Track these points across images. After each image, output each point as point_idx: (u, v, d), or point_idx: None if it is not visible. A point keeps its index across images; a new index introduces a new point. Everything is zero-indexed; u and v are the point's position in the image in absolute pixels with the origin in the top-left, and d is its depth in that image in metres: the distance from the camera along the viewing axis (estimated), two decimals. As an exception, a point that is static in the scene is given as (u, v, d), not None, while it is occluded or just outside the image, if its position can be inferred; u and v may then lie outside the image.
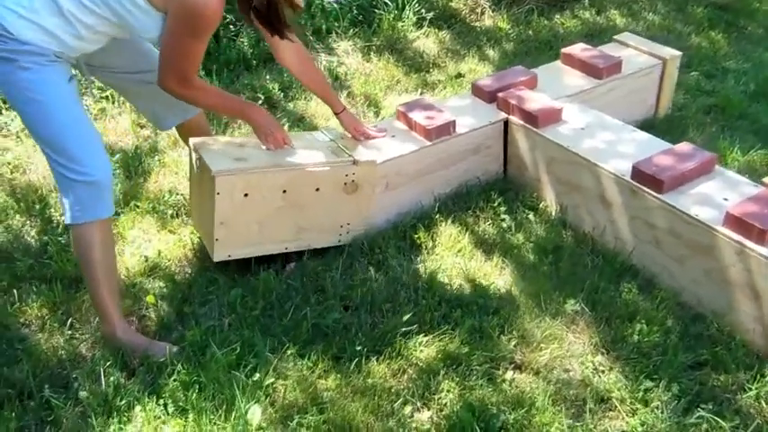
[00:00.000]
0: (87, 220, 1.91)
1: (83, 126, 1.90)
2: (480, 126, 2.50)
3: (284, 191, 2.13)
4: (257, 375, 1.85)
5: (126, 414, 1.79)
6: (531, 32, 3.96)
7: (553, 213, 2.45)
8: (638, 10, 4.20)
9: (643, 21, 4.06)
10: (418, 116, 2.46)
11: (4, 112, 3.18)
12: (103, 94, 3.34)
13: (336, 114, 2.41)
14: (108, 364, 1.93)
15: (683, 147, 2.17)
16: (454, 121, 2.43)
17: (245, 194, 2.08)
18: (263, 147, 2.19)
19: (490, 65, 3.65)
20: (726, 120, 2.98)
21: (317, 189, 2.18)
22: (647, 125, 2.92)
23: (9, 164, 2.93)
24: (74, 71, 1.97)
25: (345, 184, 2.21)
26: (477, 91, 2.67)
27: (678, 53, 2.85)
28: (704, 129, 2.91)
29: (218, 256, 2.15)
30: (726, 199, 1.98)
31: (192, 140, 2.21)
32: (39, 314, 2.15)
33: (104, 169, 1.92)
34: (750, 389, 1.75)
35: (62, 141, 1.85)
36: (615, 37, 3.01)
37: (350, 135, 2.41)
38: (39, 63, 1.79)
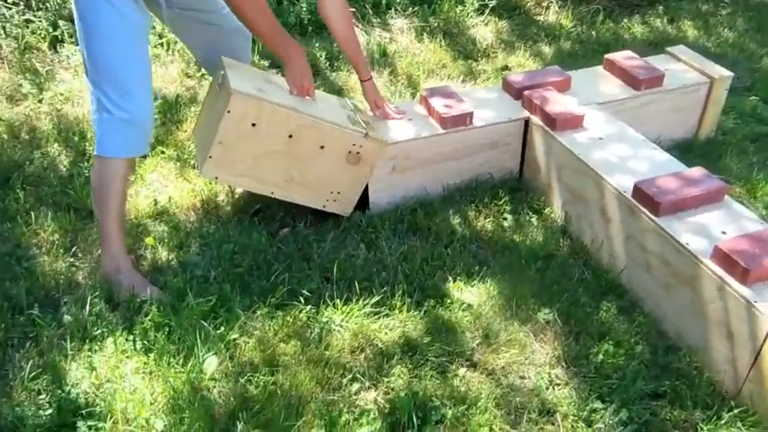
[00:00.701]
0: (116, 155, 2.01)
1: (142, 66, 2.00)
2: (499, 122, 2.47)
3: (290, 135, 2.12)
4: (222, 329, 1.93)
5: (99, 343, 1.92)
6: (593, 33, 3.82)
7: (558, 220, 2.40)
8: (715, 24, 3.97)
9: (716, 36, 3.84)
10: (438, 103, 2.46)
11: (66, 45, 3.38)
12: (160, 41, 3.49)
13: (362, 82, 2.42)
14: (96, 294, 2.06)
15: (695, 171, 2.07)
16: (472, 113, 2.41)
17: (253, 124, 2.06)
18: (287, 88, 2.20)
19: (541, 61, 3.56)
20: (772, 151, 2.81)
21: (322, 147, 2.18)
22: (686, 146, 2.80)
23: (62, 95, 3.12)
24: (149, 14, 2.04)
25: (350, 152, 2.21)
26: (506, 86, 2.62)
27: (729, 74, 2.69)
28: (744, 157, 2.75)
29: (206, 173, 2.14)
30: (724, 232, 1.89)
31: (223, 57, 2.19)
32: (49, 238, 2.31)
33: (146, 110, 2.02)
34: (701, 429, 1.69)
35: (116, 74, 1.94)
36: (668, 49, 2.87)
37: (368, 107, 2.43)
38: None
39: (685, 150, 2.77)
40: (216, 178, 2.17)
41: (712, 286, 1.77)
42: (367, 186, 2.38)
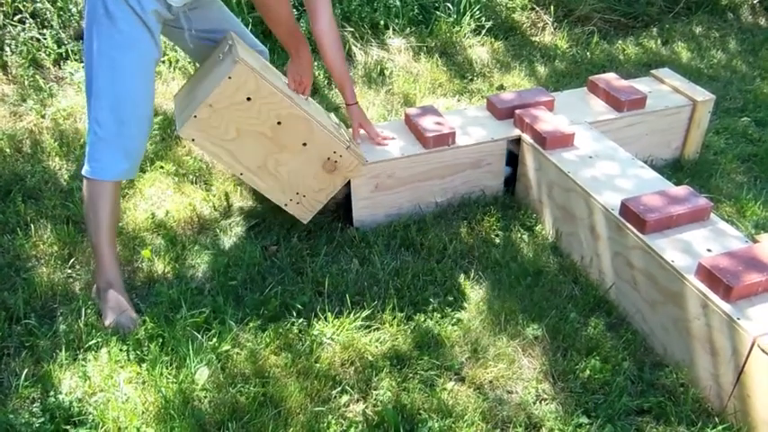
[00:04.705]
0: (102, 178, 2.03)
1: (144, 96, 2.02)
2: (481, 141, 2.51)
3: (279, 122, 2.13)
4: (215, 340, 1.96)
5: (93, 353, 1.95)
6: (588, 54, 3.89)
7: (548, 237, 2.44)
8: (708, 46, 4.03)
9: (709, 57, 3.90)
10: (421, 123, 2.50)
11: (69, 62, 3.45)
12: (162, 58, 3.55)
13: (347, 106, 2.47)
14: (90, 304, 2.10)
15: (680, 190, 2.11)
16: (454, 133, 2.46)
17: (249, 98, 2.06)
18: (285, 81, 2.23)
19: (536, 81, 3.62)
20: (762, 171, 2.84)
21: (305, 144, 2.19)
22: (676, 165, 2.84)
23: (64, 110, 3.18)
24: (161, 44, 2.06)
25: (329, 159, 2.24)
26: (489, 106, 2.67)
27: (711, 96, 2.73)
28: (734, 177, 2.79)
29: (185, 131, 2.08)
30: (709, 250, 1.92)
31: (232, 33, 2.21)
32: (48, 250, 2.35)
33: (139, 140, 2.04)
34: (685, 445, 1.71)
35: (116, 101, 1.95)
36: (652, 71, 2.92)
37: (352, 130, 2.47)
38: (134, 23, 1.90)
39: (676, 170, 2.81)
40: (193, 140, 2.11)
41: (696, 303, 1.80)
42: (351, 202, 2.42)
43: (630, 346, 1.99)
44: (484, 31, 3.97)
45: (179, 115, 2.20)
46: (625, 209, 2.04)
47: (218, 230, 2.48)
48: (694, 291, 1.80)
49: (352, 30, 3.82)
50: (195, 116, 2.06)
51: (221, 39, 2.25)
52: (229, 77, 2.01)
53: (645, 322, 2.02)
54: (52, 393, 1.80)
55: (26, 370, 1.87)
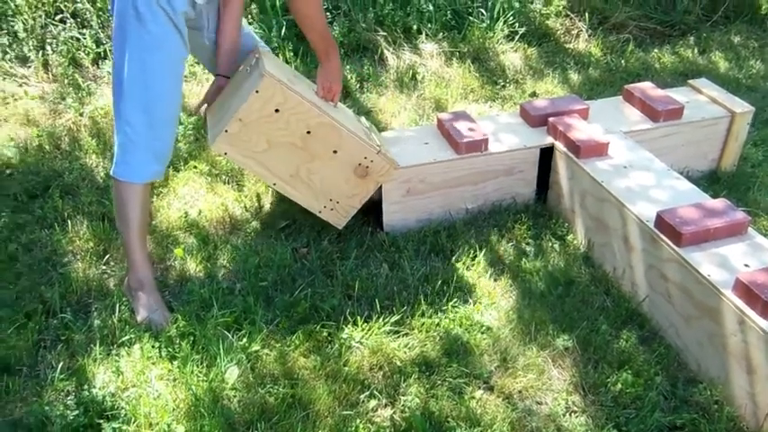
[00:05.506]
0: (134, 181, 2.05)
1: (173, 99, 2.04)
2: (514, 148, 2.50)
3: (308, 131, 2.15)
4: (245, 340, 1.98)
5: (126, 349, 1.98)
6: (622, 62, 3.84)
7: (580, 247, 2.41)
8: (746, 56, 3.96)
9: (748, 68, 3.83)
10: (454, 128, 2.50)
11: (107, 61, 3.51)
12: (196, 59, 3.60)
13: (320, 63, 2.24)
14: (125, 300, 2.13)
15: (718, 203, 2.07)
16: (487, 139, 2.45)
17: (277, 110, 2.09)
18: (314, 89, 2.24)
19: (569, 88, 3.59)
20: (802, 186, 2.78)
21: (335, 151, 2.21)
22: (712, 178, 2.79)
23: (102, 109, 3.24)
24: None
25: (360, 164, 2.25)
26: (523, 113, 2.66)
27: (750, 108, 2.68)
28: (773, 191, 2.73)
29: (218, 146, 2.12)
30: (747, 265, 1.88)
31: (260, 46, 2.25)
32: (84, 246, 2.40)
33: (167, 143, 2.06)
34: (719, 464, 1.67)
35: (145, 103, 1.96)
36: (690, 81, 2.88)
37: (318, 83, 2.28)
38: (164, 24, 1.92)
39: (713, 182, 2.76)
40: (225, 153, 2.15)
41: (733, 319, 1.76)
42: (381, 207, 2.42)
43: (663, 360, 1.96)
44: (517, 38, 3.95)
45: (211, 130, 2.23)
46: (660, 221, 2.01)
47: (249, 231, 2.50)
48: (731, 306, 1.76)
49: (384, 34, 3.83)
50: (226, 131, 2.10)
51: (248, 52, 2.28)
52: (257, 91, 2.04)
53: (679, 337, 1.99)
54: (86, 387, 1.84)
55: (61, 363, 1.91)
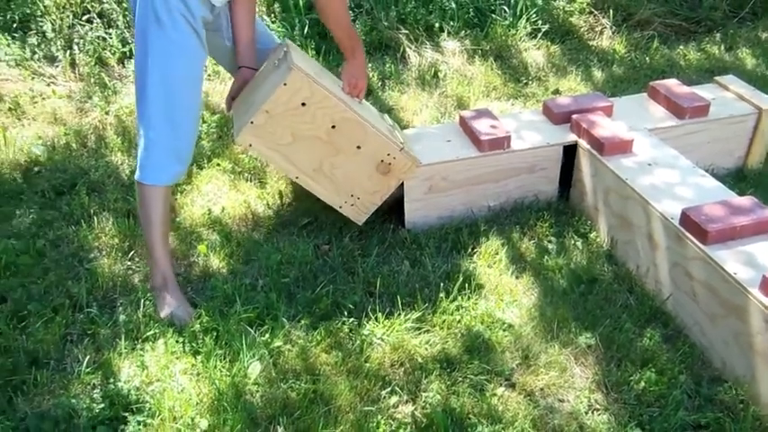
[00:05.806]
0: (154, 183, 2.07)
1: (194, 101, 2.07)
2: (536, 146, 2.48)
3: (333, 126, 2.16)
4: (267, 336, 2.00)
5: (151, 343, 2.01)
6: (647, 59, 3.80)
7: (603, 245, 2.39)
8: (775, 52, 3.89)
9: (776, 64, 3.76)
10: (476, 126, 2.49)
11: (133, 61, 3.56)
12: (215, 61, 3.63)
13: (346, 59, 2.29)
14: (149, 296, 2.16)
15: (744, 200, 2.04)
16: (510, 137, 2.43)
17: (303, 104, 2.10)
18: (341, 85, 2.27)
19: (592, 86, 3.56)
20: (831, 184, 2.72)
21: (359, 147, 2.22)
22: (738, 175, 2.75)
23: (127, 107, 3.29)
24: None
25: (382, 161, 2.26)
26: (545, 110, 2.64)
27: (779, 105, 2.64)
28: (802, 189, 2.68)
29: (242, 138, 2.13)
30: (775, 264, 1.86)
31: (287, 40, 2.28)
32: (110, 242, 2.44)
33: (189, 145, 2.09)
34: (745, 464, 1.65)
35: (167, 105, 1.99)
36: (716, 78, 2.83)
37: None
38: (183, 29, 1.95)
39: (739, 180, 2.72)
40: (250, 145, 2.16)
41: (759, 317, 1.74)
42: (403, 204, 2.42)
43: (688, 359, 1.94)
44: (540, 35, 3.93)
45: (237, 122, 2.25)
46: (686, 218, 1.99)
47: (271, 228, 2.52)
48: (758, 305, 1.74)
49: (406, 32, 3.83)
50: (252, 122, 2.11)
51: (276, 46, 2.30)
52: (284, 84, 2.06)
53: (703, 335, 1.96)
54: (112, 381, 1.87)
55: (88, 357, 1.94)
